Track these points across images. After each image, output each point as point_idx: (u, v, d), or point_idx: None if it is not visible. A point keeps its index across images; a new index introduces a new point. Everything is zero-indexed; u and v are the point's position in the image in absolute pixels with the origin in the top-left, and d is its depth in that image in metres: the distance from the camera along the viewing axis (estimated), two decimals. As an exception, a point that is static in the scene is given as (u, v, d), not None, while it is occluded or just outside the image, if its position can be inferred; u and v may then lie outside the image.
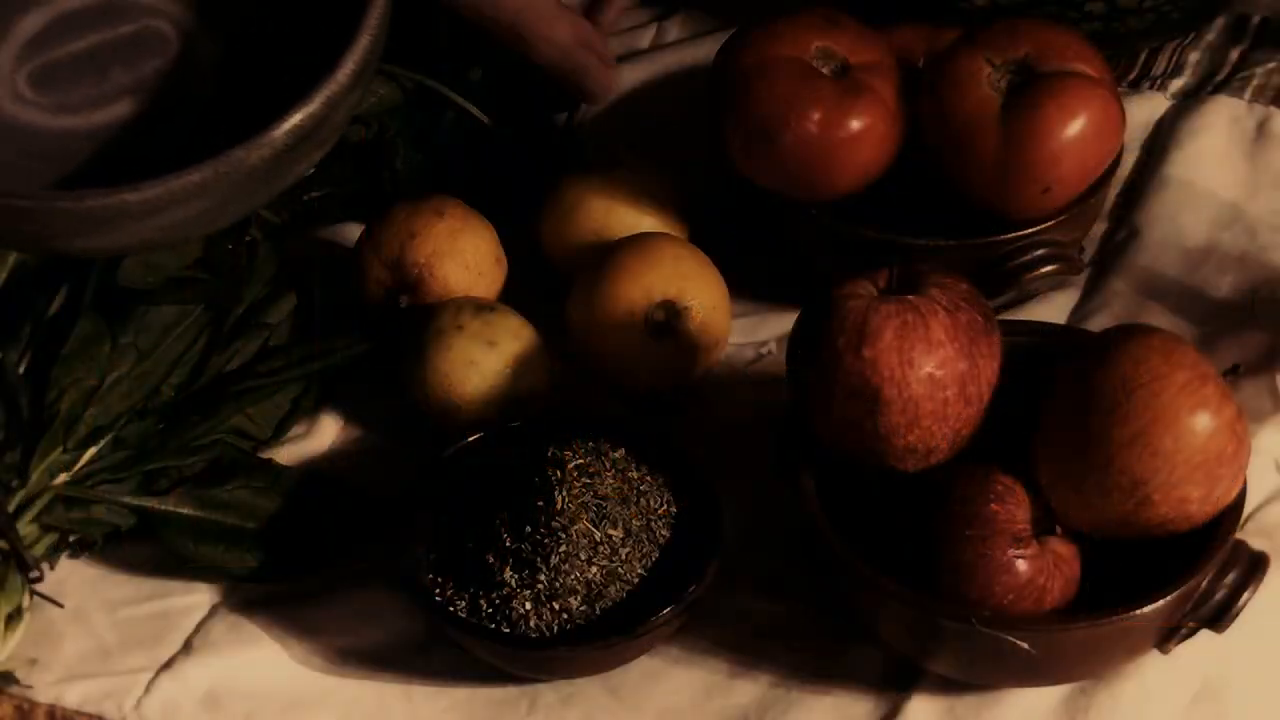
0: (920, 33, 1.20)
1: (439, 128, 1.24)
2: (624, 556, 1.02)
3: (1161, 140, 1.28)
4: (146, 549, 1.08)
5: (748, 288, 1.20)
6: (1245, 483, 0.99)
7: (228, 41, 1.08)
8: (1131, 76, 1.32)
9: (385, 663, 1.04)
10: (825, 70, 1.14)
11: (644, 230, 1.17)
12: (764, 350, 1.18)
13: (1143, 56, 1.34)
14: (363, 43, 0.97)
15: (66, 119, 1.03)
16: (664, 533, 1.03)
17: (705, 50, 1.35)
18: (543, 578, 1.00)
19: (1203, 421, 0.96)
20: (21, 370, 1.10)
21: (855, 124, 1.12)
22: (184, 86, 1.07)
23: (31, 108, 1.05)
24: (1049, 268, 1.14)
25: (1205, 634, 0.99)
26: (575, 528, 1.01)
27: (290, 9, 1.02)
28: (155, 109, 1.06)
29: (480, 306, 1.12)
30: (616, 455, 1.05)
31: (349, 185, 1.24)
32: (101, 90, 1.06)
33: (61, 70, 1.06)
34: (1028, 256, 1.14)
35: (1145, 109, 1.29)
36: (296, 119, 0.94)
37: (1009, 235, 1.14)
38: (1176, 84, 1.31)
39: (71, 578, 1.08)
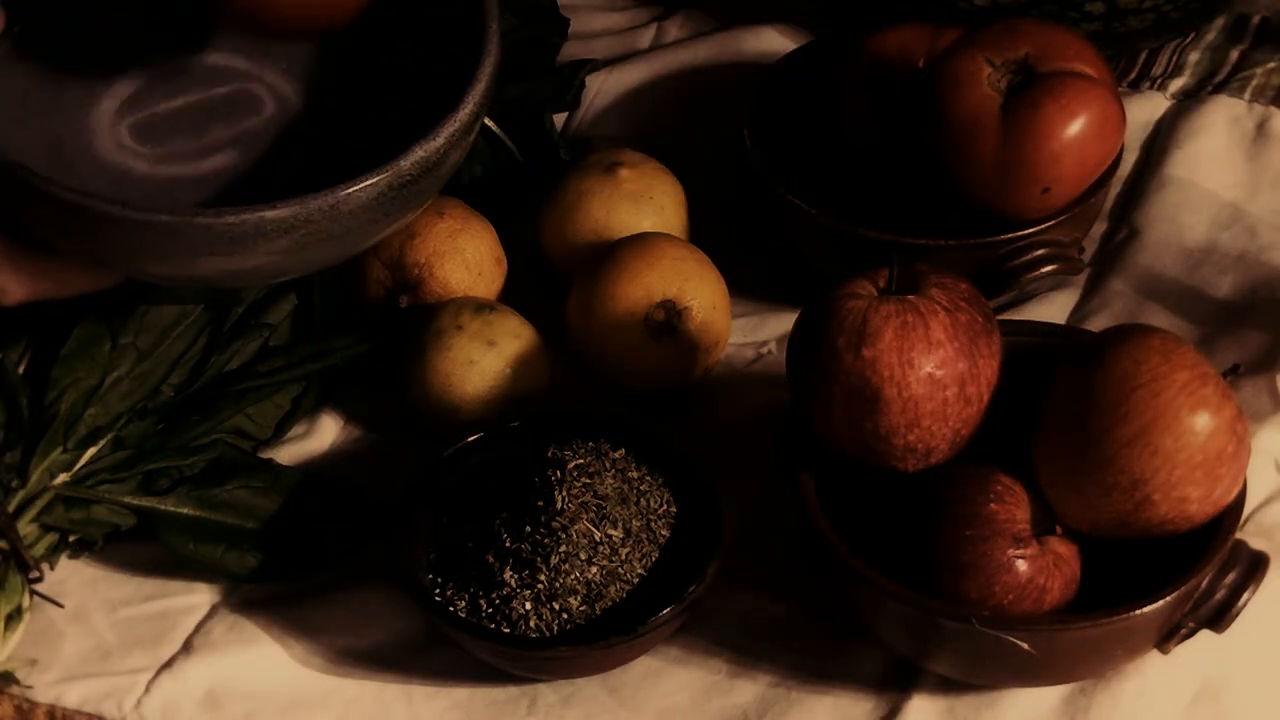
0: (920, 33, 1.20)
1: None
2: (624, 556, 1.02)
3: (1161, 140, 1.28)
4: (146, 549, 1.08)
5: (748, 288, 1.20)
6: (1245, 483, 0.99)
7: (324, 97, 1.12)
8: (1131, 76, 1.32)
9: (385, 663, 1.04)
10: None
11: (644, 230, 1.17)
12: (764, 350, 1.18)
13: (1143, 56, 1.34)
14: (481, 84, 1.01)
15: (172, 167, 1.07)
16: (664, 533, 1.03)
17: (705, 50, 1.35)
18: (543, 578, 1.01)
19: (1203, 421, 0.96)
20: (21, 370, 1.10)
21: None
22: (285, 138, 1.11)
23: (136, 157, 1.07)
24: (1049, 268, 1.14)
25: (1205, 634, 0.99)
26: (575, 528, 1.01)
27: (384, 74, 1.04)
28: (259, 158, 1.10)
29: (480, 306, 1.12)
30: (616, 455, 1.05)
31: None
32: (203, 142, 1.09)
33: (162, 125, 1.09)
34: (1028, 256, 1.14)
35: (1145, 109, 1.29)
36: (421, 152, 0.97)
37: (1009, 235, 1.14)
38: (1176, 84, 1.31)
39: (71, 578, 1.08)
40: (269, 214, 0.94)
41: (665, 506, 1.04)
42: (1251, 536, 1.04)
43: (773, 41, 1.35)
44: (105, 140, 1.07)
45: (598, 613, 1.01)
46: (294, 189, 0.96)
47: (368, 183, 0.96)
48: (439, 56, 1.05)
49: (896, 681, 1.02)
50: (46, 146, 1.05)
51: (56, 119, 1.07)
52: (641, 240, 1.14)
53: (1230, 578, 0.99)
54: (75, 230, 0.95)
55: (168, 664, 1.04)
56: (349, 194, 0.95)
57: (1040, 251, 1.14)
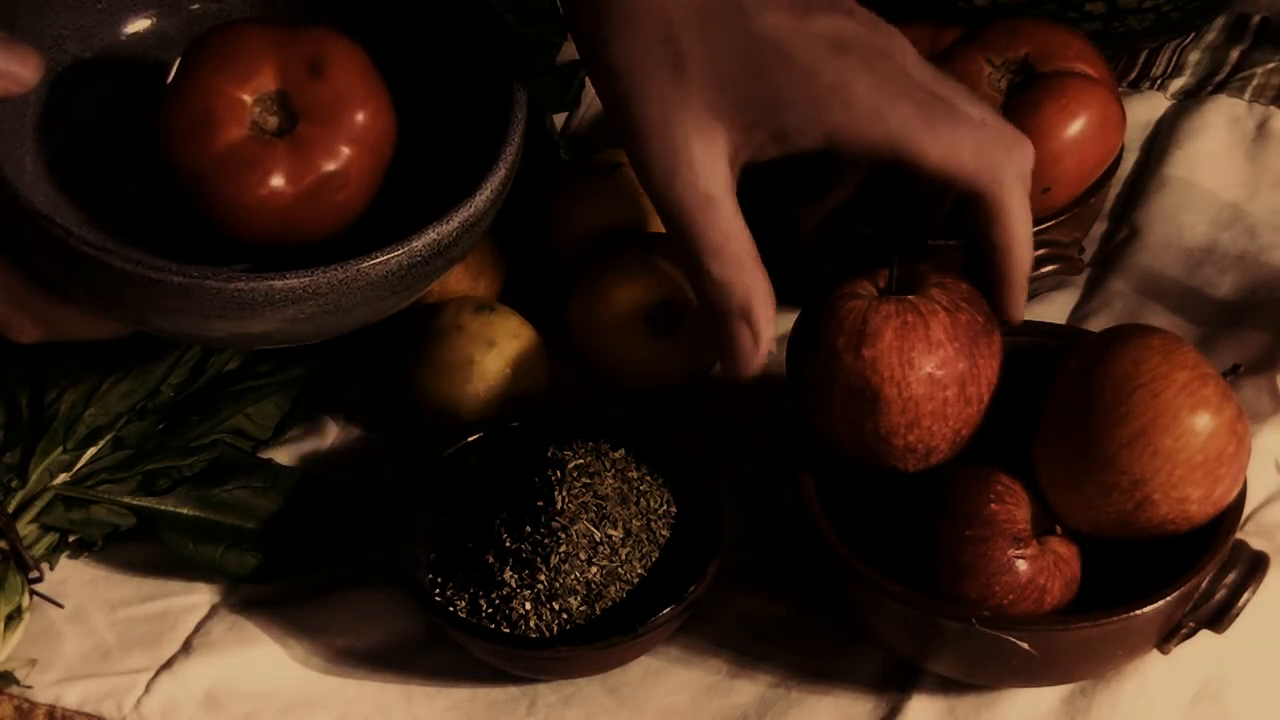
0: (920, 33, 1.19)
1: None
2: (624, 556, 1.02)
3: (1161, 140, 1.28)
4: (146, 549, 1.08)
5: (748, 288, 1.20)
6: (1245, 483, 0.99)
7: None
8: (1131, 76, 1.32)
9: (385, 663, 1.04)
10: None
11: (644, 230, 1.17)
12: (764, 350, 1.18)
13: (1143, 56, 1.34)
14: (500, 172, 1.01)
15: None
16: (664, 533, 1.03)
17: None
18: (543, 578, 1.00)
19: (1203, 421, 0.96)
20: (21, 370, 1.10)
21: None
22: None
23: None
24: (1049, 268, 1.14)
25: (1205, 634, 0.99)
26: (575, 528, 1.01)
27: (408, 147, 1.04)
28: None
29: (480, 306, 1.12)
30: (616, 455, 1.05)
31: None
32: None
33: None
34: (1028, 256, 1.14)
35: (1145, 109, 1.29)
36: (433, 235, 0.97)
37: (1009, 235, 1.14)
38: (1176, 84, 1.31)
39: (71, 578, 1.08)
40: (278, 283, 0.95)
41: (665, 506, 1.04)
42: (1251, 536, 1.04)
43: (773, 41, 1.35)
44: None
45: (598, 613, 1.01)
46: (323, 257, 0.97)
47: (379, 260, 0.96)
48: (464, 135, 1.05)
49: (896, 681, 1.02)
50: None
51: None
52: (641, 240, 1.14)
53: (1230, 578, 0.99)
54: (91, 282, 0.96)
55: (168, 664, 1.04)
56: (360, 270, 0.96)
57: (1040, 251, 1.14)
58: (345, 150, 0.99)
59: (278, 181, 0.99)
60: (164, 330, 0.99)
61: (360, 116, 1.00)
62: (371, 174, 1.01)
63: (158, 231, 1.03)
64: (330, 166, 0.99)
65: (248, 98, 0.99)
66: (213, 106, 0.99)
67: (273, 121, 0.99)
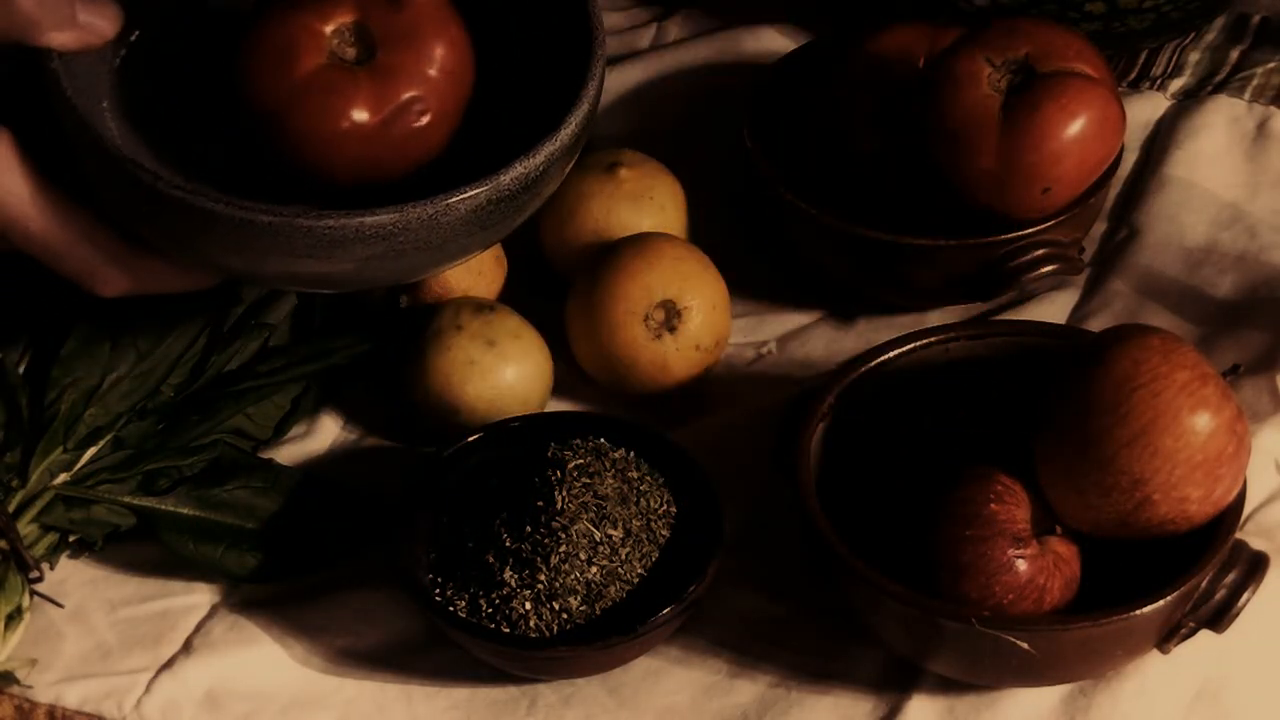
0: (920, 33, 1.20)
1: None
2: (624, 556, 1.02)
3: (1161, 140, 1.28)
4: (146, 549, 1.08)
5: (748, 288, 1.20)
6: (1245, 483, 0.99)
7: None
8: (1131, 76, 1.32)
9: (385, 663, 1.04)
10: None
11: (644, 230, 1.17)
12: (764, 350, 1.18)
13: (1143, 56, 1.34)
14: (584, 106, 1.01)
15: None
16: (664, 533, 1.03)
17: (705, 50, 1.35)
18: (543, 578, 1.01)
19: (1203, 421, 0.96)
20: (21, 370, 1.10)
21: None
22: None
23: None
24: (1049, 268, 1.14)
25: (1205, 634, 0.99)
26: (575, 528, 1.01)
27: (489, 86, 1.05)
28: None
29: (480, 306, 1.12)
30: (616, 455, 1.05)
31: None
32: None
33: None
34: (1028, 256, 1.14)
35: (1145, 109, 1.29)
36: (521, 169, 0.97)
37: (1009, 235, 1.14)
38: (1176, 84, 1.31)
39: (71, 578, 1.08)
40: (369, 219, 0.94)
41: (665, 506, 1.04)
42: (1251, 536, 1.04)
43: (773, 41, 1.35)
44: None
45: (598, 613, 1.01)
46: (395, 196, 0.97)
47: (467, 195, 0.96)
48: (545, 71, 1.05)
49: (896, 681, 1.02)
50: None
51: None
52: (641, 240, 1.14)
53: (1230, 578, 0.99)
54: (177, 226, 0.96)
55: (168, 664, 1.04)
56: (448, 205, 0.96)
57: (1040, 251, 1.14)
58: (425, 77, 0.99)
59: (359, 107, 0.99)
60: (250, 274, 0.99)
61: (439, 44, 1.00)
62: (452, 104, 1.01)
63: (238, 187, 1.03)
64: (410, 93, 0.99)
65: (327, 28, 1.00)
66: (292, 38, 0.99)
67: (351, 52, 1.00)
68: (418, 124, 1.00)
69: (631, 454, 1.05)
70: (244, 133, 1.02)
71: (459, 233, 0.97)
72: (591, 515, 1.02)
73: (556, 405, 1.14)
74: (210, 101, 1.05)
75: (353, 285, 1.04)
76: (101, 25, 0.99)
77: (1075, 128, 1.10)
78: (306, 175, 1.01)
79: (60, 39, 0.98)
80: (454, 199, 0.96)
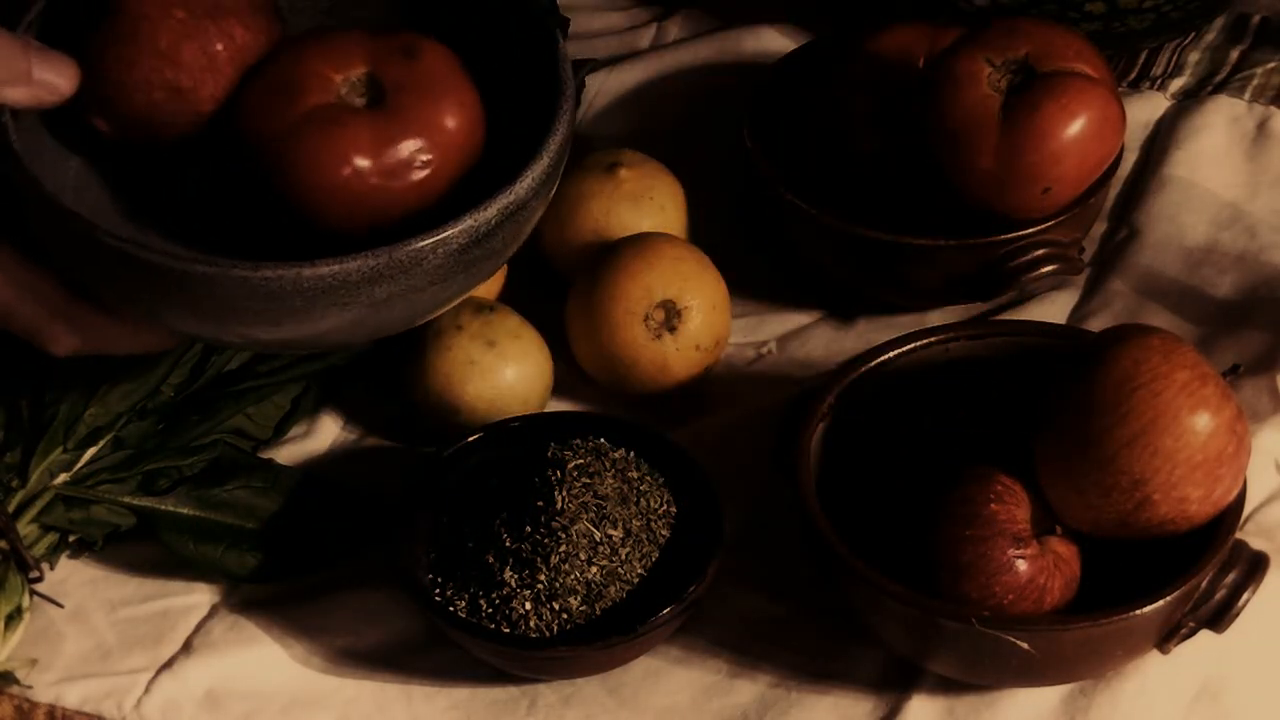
0: (920, 33, 1.20)
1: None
2: (624, 556, 1.02)
3: (1161, 140, 1.28)
4: (146, 549, 1.08)
5: (748, 288, 1.20)
6: (1245, 483, 0.99)
7: None
8: (1131, 76, 1.32)
9: (385, 663, 1.04)
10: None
11: (644, 230, 1.17)
12: (764, 350, 1.18)
13: (1143, 56, 1.34)
14: (543, 160, 0.98)
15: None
16: (664, 533, 1.03)
17: (705, 50, 1.35)
18: (543, 578, 1.01)
19: (1203, 421, 0.96)
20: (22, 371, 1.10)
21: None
22: None
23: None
24: (1049, 268, 1.14)
25: (1205, 634, 0.99)
26: (575, 528, 1.01)
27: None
28: None
29: (480, 306, 1.12)
30: (616, 455, 1.05)
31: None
32: None
33: None
34: (1028, 256, 1.14)
35: (1145, 109, 1.29)
36: (469, 223, 0.94)
37: (1009, 235, 1.14)
38: (1176, 84, 1.31)
39: (71, 578, 1.08)
40: (307, 271, 0.92)
41: (665, 506, 1.04)
42: (1251, 536, 1.04)
43: (773, 41, 1.35)
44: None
45: (598, 613, 1.01)
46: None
47: (414, 246, 0.93)
48: (520, 132, 1.02)
49: (896, 681, 1.02)
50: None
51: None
52: (641, 240, 1.14)
53: (1230, 578, 0.99)
54: (119, 279, 0.94)
55: (168, 664, 1.04)
56: (394, 256, 0.92)
57: (1040, 251, 1.14)
58: (430, 128, 0.97)
59: (360, 148, 0.96)
60: (202, 334, 0.97)
61: (447, 99, 0.97)
62: (455, 158, 0.98)
63: (226, 248, 1.00)
64: (414, 142, 0.96)
65: (337, 76, 0.97)
66: (300, 77, 0.96)
67: (360, 101, 0.97)
68: (418, 175, 0.97)
69: (631, 454, 1.05)
70: (238, 186, 0.99)
71: (407, 288, 0.94)
72: (591, 515, 1.02)
73: (556, 405, 1.14)
74: (207, 163, 1.02)
75: (305, 347, 1.02)
76: (58, 83, 0.97)
77: (1075, 128, 1.10)
78: (301, 224, 0.98)
79: (14, 95, 0.96)
80: (399, 251, 0.93)
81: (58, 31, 0.99)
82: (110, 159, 1.03)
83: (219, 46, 0.97)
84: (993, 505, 0.98)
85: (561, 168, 0.99)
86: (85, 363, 1.09)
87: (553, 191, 1.00)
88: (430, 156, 0.97)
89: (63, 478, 1.08)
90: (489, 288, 1.17)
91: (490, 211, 0.95)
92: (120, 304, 0.97)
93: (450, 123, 0.98)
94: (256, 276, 0.92)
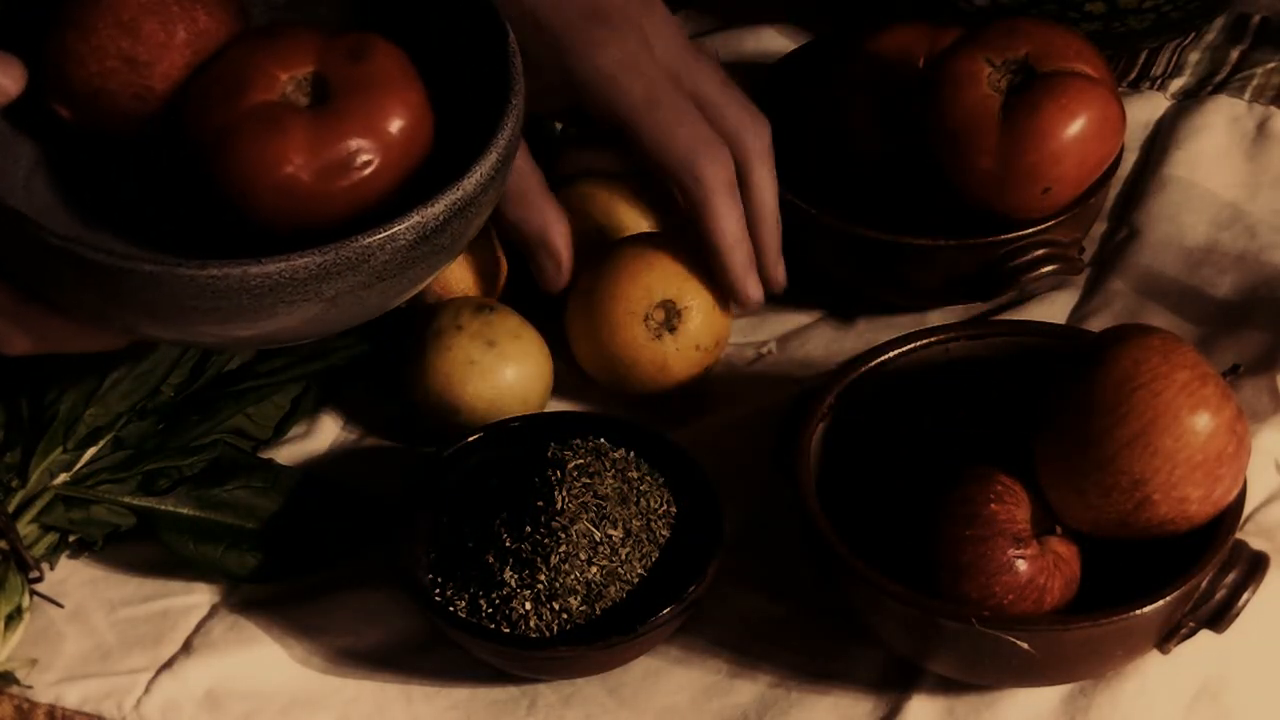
0: (920, 33, 1.20)
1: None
2: (624, 556, 1.02)
3: (1161, 140, 1.28)
4: (146, 549, 1.08)
5: (748, 288, 1.20)
6: (1245, 483, 0.99)
7: None
8: (1131, 76, 1.32)
9: (385, 663, 1.04)
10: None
11: (644, 230, 1.17)
12: (764, 350, 1.18)
13: (1143, 56, 1.34)
14: (490, 157, 0.97)
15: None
16: (664, 533, 1.03)
17: (704, 50, 1.35)
18: (543, 578, 1.00)
19: (1203, 421, 0.96)
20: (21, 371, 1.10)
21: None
22: None
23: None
24: (1049, 268, 1.14)
25: (1205, 634, 0.99)
26: (575, 528, 1.01)
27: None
28: None
29: (480, 306, 1.12)
30: (616, 455, 1.05)
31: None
32: None
33: None
34: (1028, 256, 1.14)
35: (1145, 109, 1.29)
36: (417, 219, 0.94)
37: (1009, 235, 1.14)
38: (1176, 84, 1.31)
39: (71, 578, 1.08)
40: (254, 269, 0.91)
41: (665, 506, 1.04)
42: (1251, 536, 1.04)
43: (773, 41, 1.35)
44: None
45: (598, 613, 1.01)
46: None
47: (362, 243, 0.92)
48: (472, 131, 1.01)
49: (896, 681, 1.02)
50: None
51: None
52: (641, 240, 1.14)
53: (1230, 578, 0.99)
54: (64, 279, 0.93)
55: (168, 664, 1.04)
56: (341, 253, 0.92)
57: (1040, 251, 1.14)
58: (372, 128, 0.96)
59: (299, 145, 0.95)
60: (152, 334, 0.96)
61: (392, 98, 0.97)
62: (399, 158, 0.97)
63: (178, 246, 1.00)
64: (355, 141, 0.96)
65: (283, 75, 0.97)
66: (244, 74, 0.96)
67: (304, 100, 0.97)
68: (360, 175, 0.96)
69: (631, 454, 1.05)
70: (186, 182, 0.98)
71: (355, 284, 0.94)
72: (591, 515, 1.02)
73: (556, 405, 1.14)
74: (159, 159, 1.02)
75: (255, 344, 1.01)
76: (4, 83, 0.96)
77: (1075, 128, 1.10)
78: (243, 221, 0.97)
79: None
80: (346, 248, 0.92)
81: (8, 31, 0.99)
82: (64, 158, 1.03)
83: (180, 28, 0.97)
84: (993, 505, 0.98)
85: (511, 163, 0.99)
86: (85, 362, 1.09)
87: (504, 186, 1.00)
88: (371, 157, 0.96)
89: (63, 478, 1.08)
90: (489, 287, 1.17)
91: (438, 207, 0.94)
92: (69, 304, 0.96)
93: (394, 123, 0.97)
94: (203, 275, 0.91)
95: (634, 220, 1.17)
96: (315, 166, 0.96)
